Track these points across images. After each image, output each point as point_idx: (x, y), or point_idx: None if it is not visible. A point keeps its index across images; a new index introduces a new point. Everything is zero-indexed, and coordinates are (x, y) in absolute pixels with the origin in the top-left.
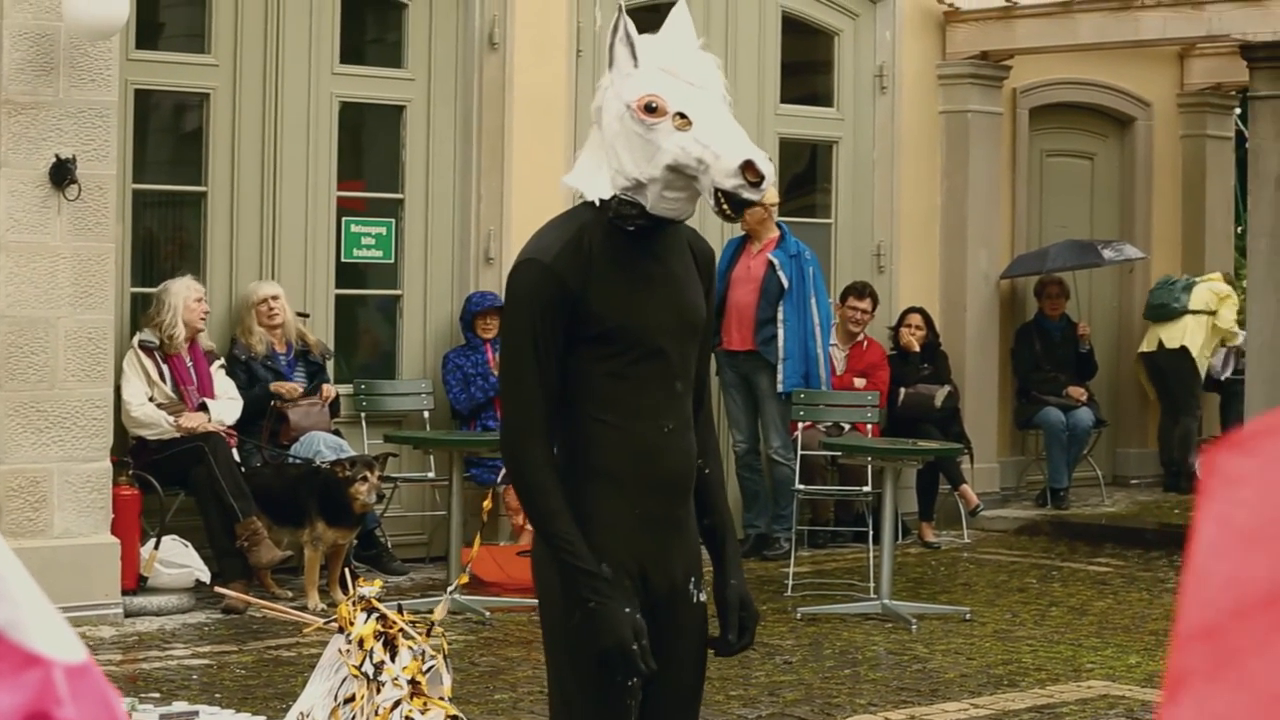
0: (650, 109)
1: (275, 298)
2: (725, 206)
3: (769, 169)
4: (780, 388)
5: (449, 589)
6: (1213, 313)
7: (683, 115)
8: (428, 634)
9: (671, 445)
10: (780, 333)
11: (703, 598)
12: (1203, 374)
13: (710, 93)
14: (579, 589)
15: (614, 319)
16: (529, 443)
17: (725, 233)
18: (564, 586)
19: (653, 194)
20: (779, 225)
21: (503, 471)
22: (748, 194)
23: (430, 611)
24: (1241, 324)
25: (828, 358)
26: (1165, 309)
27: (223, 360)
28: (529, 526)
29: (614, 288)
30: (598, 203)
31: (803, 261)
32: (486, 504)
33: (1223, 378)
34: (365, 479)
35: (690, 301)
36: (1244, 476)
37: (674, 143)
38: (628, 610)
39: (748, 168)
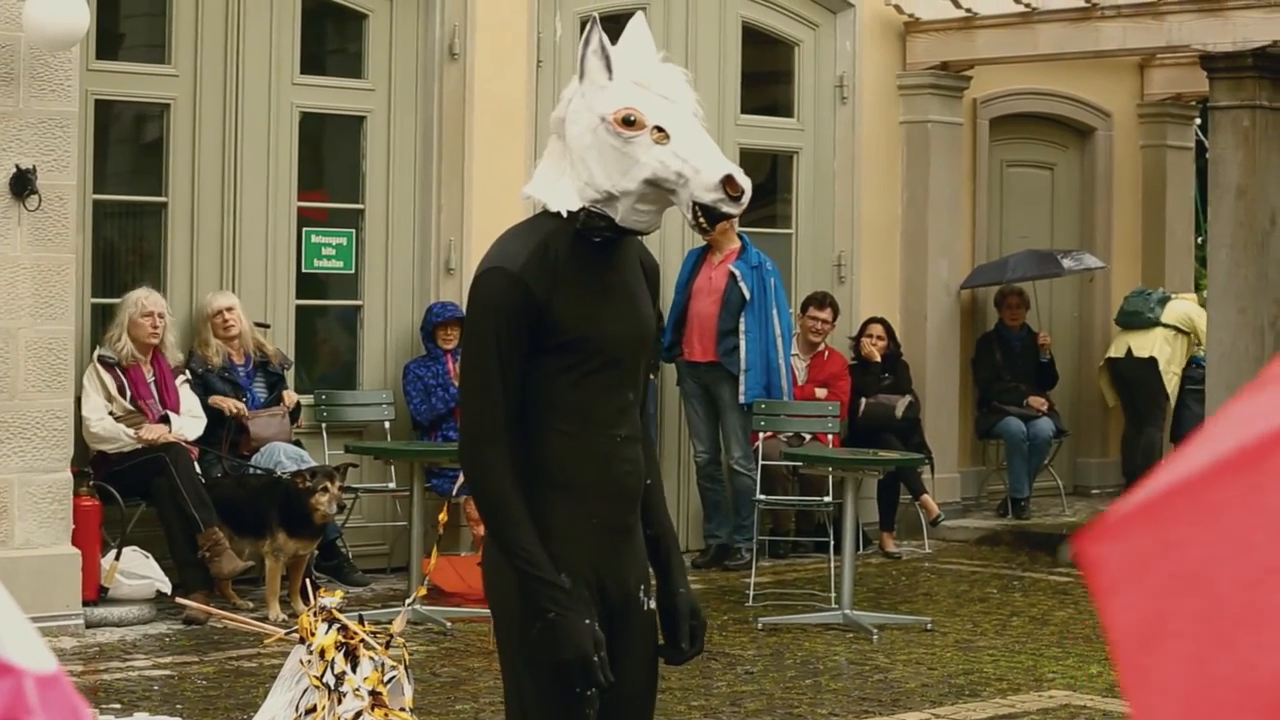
0: (628, 122)
1: (230, 309)
2: (702, 219)
3: (748, 183)
4: (742, 398)
5: (407, 601)
6: (1187, 333)
7: (660, 129)
8: (386, 647)
9: (624, 454)
10: (742, 343)
11: (652, 605)
12: (1171, 390)
13: (683, 107)
14: (539, 600)
15: (577, 329)
16: (489, 452)
17: (686, 243)
18: (522, 597)
19: (624, 207)
20: (740, 236)
21: (459, 482)
22: (727, 208)
23: (390, 623)
24: None
25: (789, 368)
26: (1139, 317)
27: (187, 375)
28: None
29: (577, 298)
30: (564, 214)
31: (764, 272)
32: (442, 517)
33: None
34: (326, 489)
35: (645, 313)
36: (1128, 569)
37: (653, 156)
38: (587, 621)
39: (728, 182)
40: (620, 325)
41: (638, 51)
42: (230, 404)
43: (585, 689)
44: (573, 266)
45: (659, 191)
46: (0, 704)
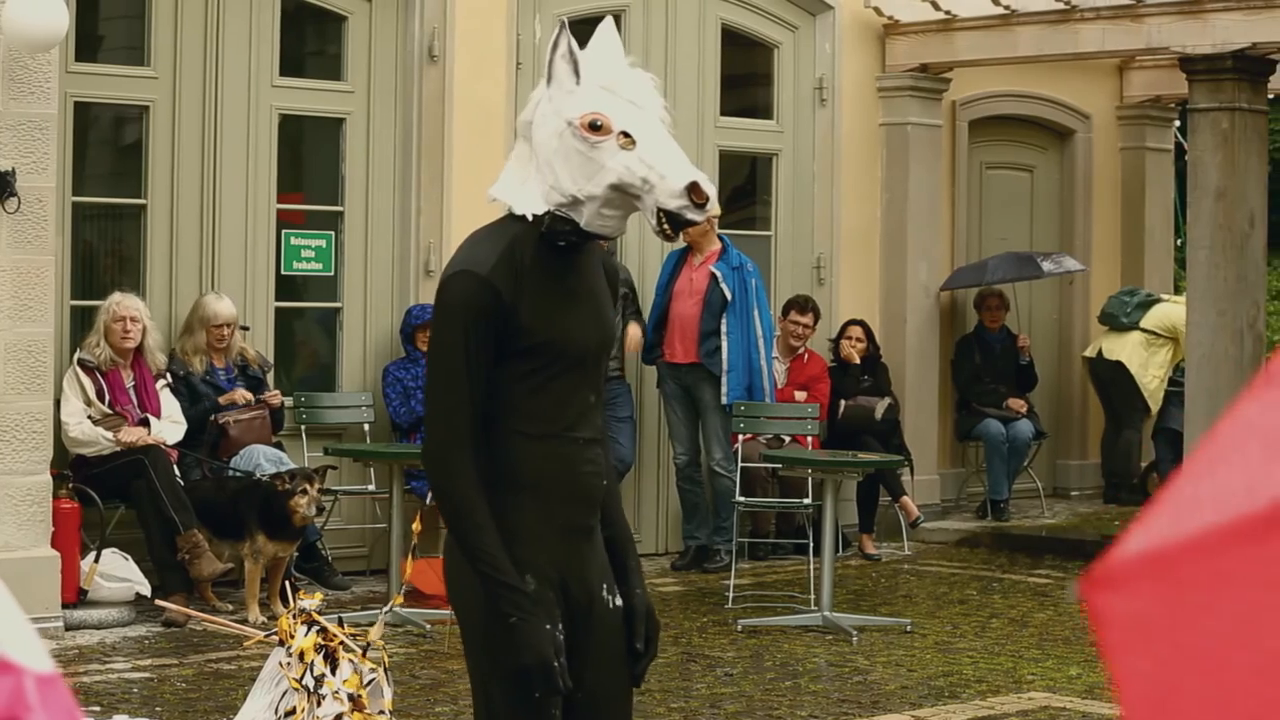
0: (595, 127)
1: (229, 325)
2: (666, 226)
3: (712, 191)
4: (724, 399)
5: (385, 608)
6: (1173, 339)
7: (627, 135)
8: (364, 654)
9: (586, 455)
10: (724, 345)
11: (619, 602)
12: (1150, 394)
13: (650, 112)
14: (501, 604)
15: (543, 333)
16: (454, 455)
17: (667, 245)
18: (485, 601)
19: (589, 211)
20: (720, 238)
21: None
22: (691, 214)
23: (369, 627)
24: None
25: (771, 369)
26: (1114, 319)
27: (169, 379)
28: None
29: (543, 302)
30: (530, 217)
31: (745, 273)
32: (416, 526)
33: None
34: (305, 491)
35: (607, 318)
36: (1135, 630)
37: (618, 162)
38: (549, 627)
39: (693, 189)
40: (583, 330)
41: (606, 56)
42: (240, 394)
43: (546, 694)
44: (538, 270)
45: (624, 197)
46: (1, 701)
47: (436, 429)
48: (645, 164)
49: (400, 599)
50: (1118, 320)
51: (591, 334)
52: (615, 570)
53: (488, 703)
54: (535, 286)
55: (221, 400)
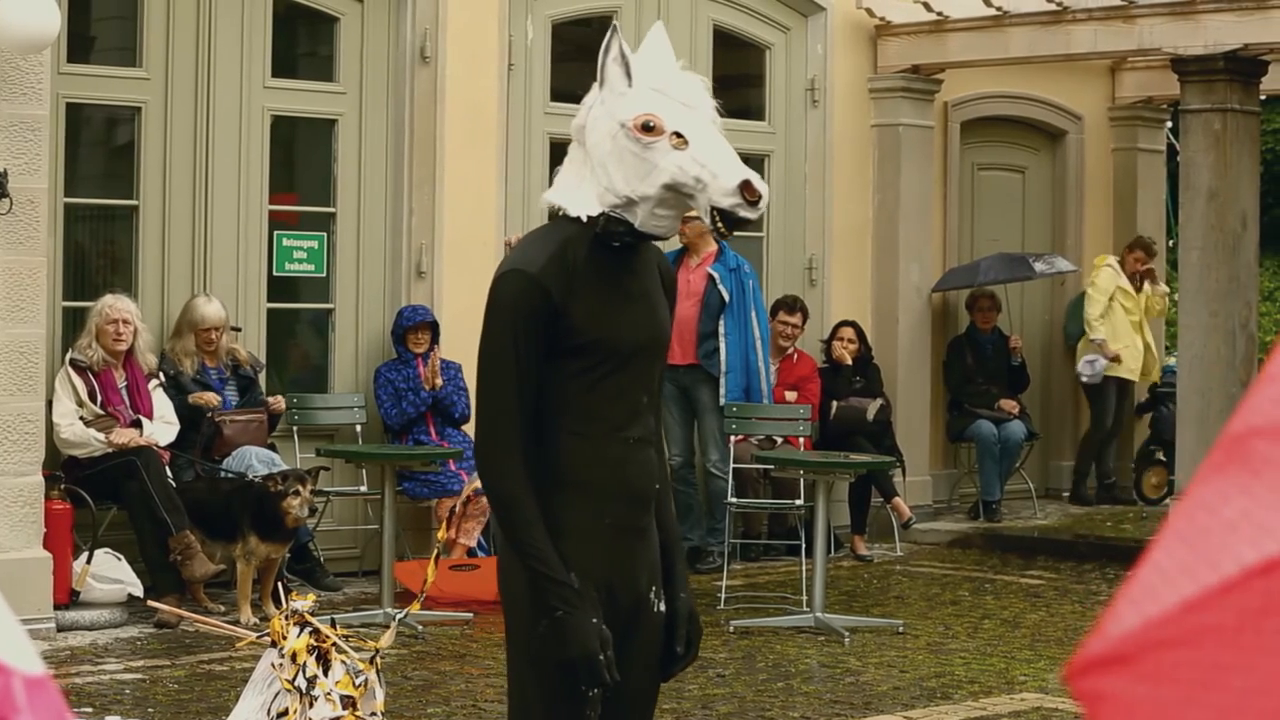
0: (648, 128)
1: (218, 329)
2: (720, 225)
3: (765, 188)
4: (723, 400)
5: (398, 616)
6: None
7: (679, 135)
8: (371, 661)
9: (637, 457)
10: (722, 346)
11: (663, 607)
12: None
13: (702, 113)
14: (548, 598)
15: (593, 332)
16: (505, 452)
17: (663, 247)
18: (531, 595)
19: (643, 212)
20: (716, 239)
21: (470, 487)
22: (745, 212)
23: (371, 635)
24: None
25: (769, 370)
26: (1074, 335)
27: (161, 379)
28: (462, 540)
29: (594, 302)
30: (585, 219)
31: (742, 275)
32: (442, 534)
33: (1084, 379)
34: (297, 493)
35: (661, 318)
36: (1155, 710)
37: (671, 161)
38: (595, 621)
39: (745, 187)
40: (635, 329)
41: (657, 59)
42: (208, 397)
43: (591, 688)
44: (590, 270)
45: (678, 196)
46: None
47: (487, 427)
48: (698, 163)
49: (417, 606)
50: (1079, 334)
51: (643, 334)
52: (663, 573)
53: (523, 699)
54: (588, 286)
55: (191, 400)
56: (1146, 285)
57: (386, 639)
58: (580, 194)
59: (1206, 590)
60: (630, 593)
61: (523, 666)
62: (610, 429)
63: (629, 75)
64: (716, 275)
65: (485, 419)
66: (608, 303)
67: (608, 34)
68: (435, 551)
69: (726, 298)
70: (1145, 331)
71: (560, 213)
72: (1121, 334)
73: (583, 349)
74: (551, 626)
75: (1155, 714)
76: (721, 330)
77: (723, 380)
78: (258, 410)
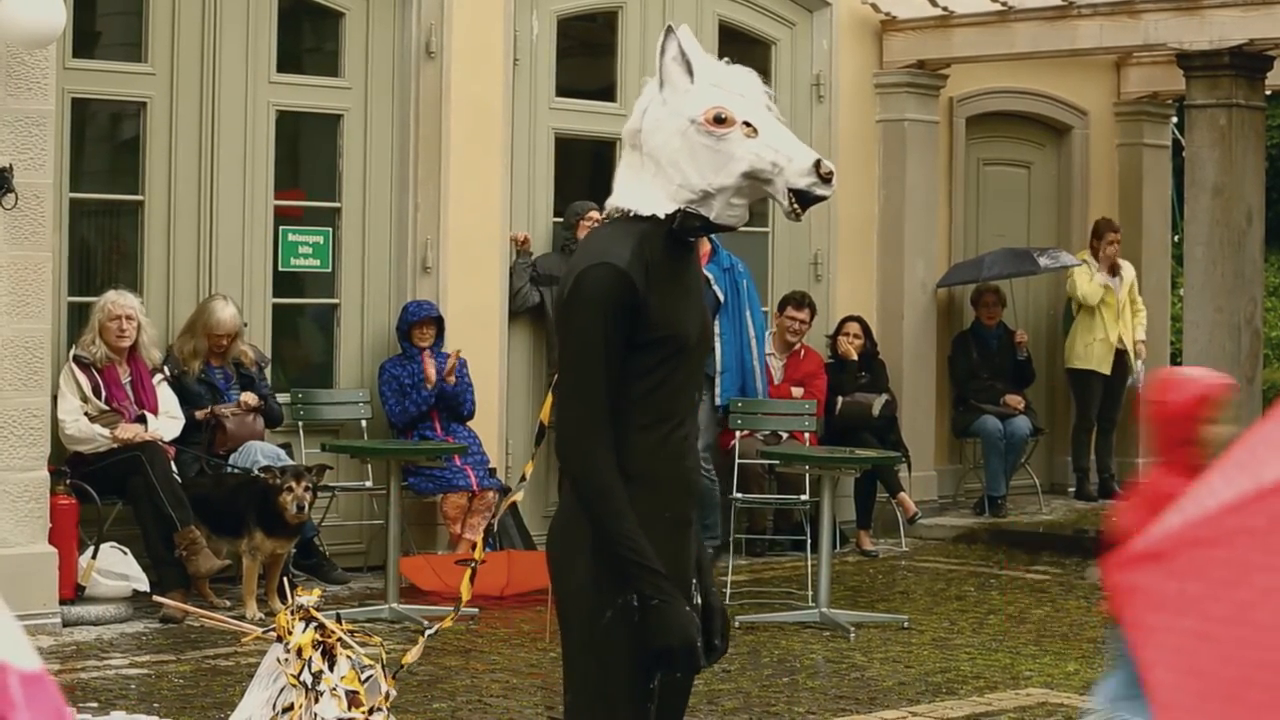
0: (720, 120)
1: (232, 336)
2: (796, 205)
3: (833, 166)
4: (718, 401)
5: (428, 631)
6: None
7: (749, 124)
8: (394, 676)
9: (691, 450)
10: (717, 346)
11: (698, 600)
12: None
13: (760, 102)
14: (643, 588)
15: (665, 327)
16: (595, 444)
17: None
18: (604, 583)
19: (720, 203)
20: (710, 239)
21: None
22: (820, 190)
23: (407, 648)
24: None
25: (764, 370)
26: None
27: (166, 373)
28: (467, 535)
29: (665, 297)
30: (662, 216)
31: (736, 275)
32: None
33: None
34: (291, 489)
35: (707, 314)
36: (1180, 603)
37: (747, 150)
38: (688, 609)
39: (818, 166)
40: (693, 325)
41: (703, 56)
42: (246, 397)
43: (687, 674)
44: (661, 267)
45: (754, 184)
46: None
47: (575, 419)
48: (772, 148)
49: (449, 621)
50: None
51: (697, 329)
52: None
53: (587, 691)
54: (659, 282)
55: (216, 411)
56: (1123, 269)
57: (413, 654)
58: (647, 194)
59: (1244, 495)
60: (683, 584)
61: (586, 658)
62: (672, 424)
63: (690, 72)
64: (710, 276)
65: (575, 410)
66: (674, 298)
67: (662, 35)
68: (471, 568)
69: (721, 298)
70: (1125, 320)
71: (629, 214)
72: (1097, 326)
73: (654, 343)
74: (649, 615)
75: (1180, 607)
76: (716, 330)
77: (717, 380)
78: (252, 406)
